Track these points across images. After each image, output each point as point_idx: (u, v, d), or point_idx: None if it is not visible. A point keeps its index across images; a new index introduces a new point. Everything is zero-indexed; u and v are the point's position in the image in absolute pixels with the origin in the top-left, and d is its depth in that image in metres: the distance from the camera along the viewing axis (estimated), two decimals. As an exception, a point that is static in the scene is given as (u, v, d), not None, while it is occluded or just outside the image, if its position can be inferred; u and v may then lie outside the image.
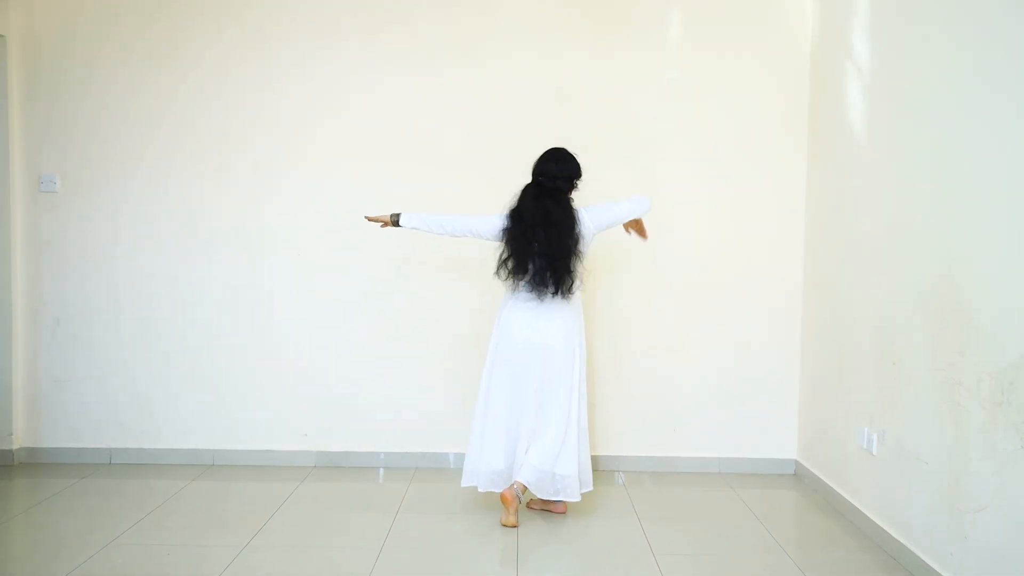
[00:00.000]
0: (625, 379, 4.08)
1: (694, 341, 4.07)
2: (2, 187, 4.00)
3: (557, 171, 3.30)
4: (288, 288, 4.09)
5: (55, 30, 4.04)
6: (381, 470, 4.07)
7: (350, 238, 4.04)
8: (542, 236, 3.23)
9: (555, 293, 3.27)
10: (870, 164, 3.28)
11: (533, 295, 3.30)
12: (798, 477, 4.00)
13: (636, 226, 3.49)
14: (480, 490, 3.34)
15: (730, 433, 4.08)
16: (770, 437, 4.08)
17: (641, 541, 3.15)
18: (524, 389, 3.31)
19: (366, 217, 3.48)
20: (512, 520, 3.25)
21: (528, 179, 3.34)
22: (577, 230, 3.28)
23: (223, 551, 2.98)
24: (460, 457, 4.10)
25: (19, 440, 4.12)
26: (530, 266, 3.26)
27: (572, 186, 3.36)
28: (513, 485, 3.25)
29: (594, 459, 4.07)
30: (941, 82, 2.77)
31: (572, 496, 3.30)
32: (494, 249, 3.40)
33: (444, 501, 3.60)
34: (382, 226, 3.46)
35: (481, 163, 4.01)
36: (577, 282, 3.31)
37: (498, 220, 3.32)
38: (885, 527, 3.08)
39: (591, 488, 3.42)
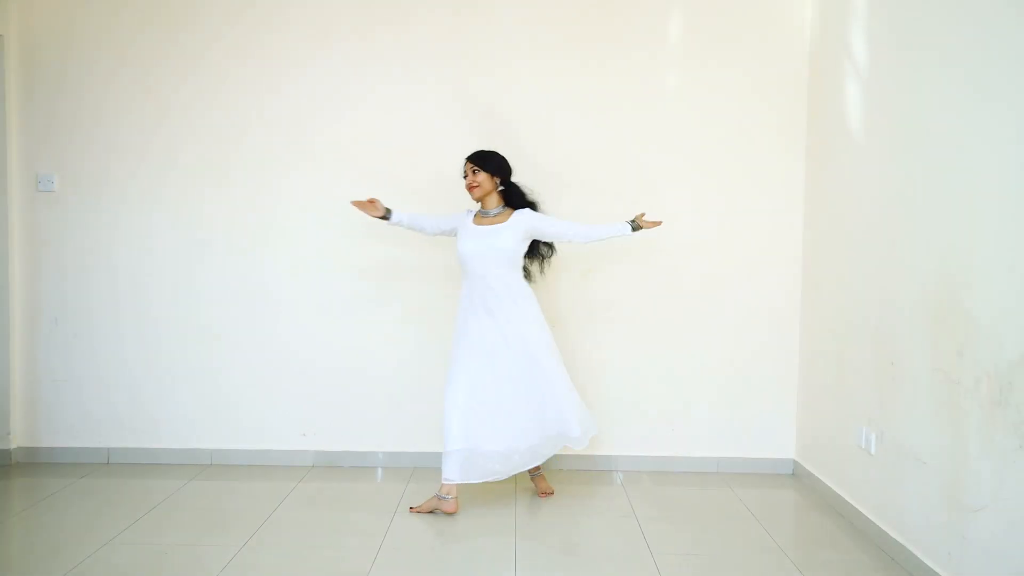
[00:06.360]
0: (623, 379, 4.08)
1: (693, 341, 4.07)
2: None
3: None
4: (287, 287, 4.09)
5: (55, 30, 4.03)
6: (379, 470, 4.06)
7: (349, 238, 4.04)
8: None
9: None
10: (869, 164, 3.29)
11: None
12: (796, 477, 4.00)
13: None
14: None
15: (728, 433, 4.08)
16: (768, 437, 4.08)
17: (639, 540, 3.15)
18: None
19: (352, 202, 3.57)
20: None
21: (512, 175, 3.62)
22: None
23: (221, 550, 2.98)
24: (459, 457, 4.11)
25: (17, 440, 4.12)
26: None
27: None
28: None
29: (593, 459, 4.08)
30: (939, 82, 2.77)
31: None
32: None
33: (443, 501, 3.61)
34: (372, 215, 3.57)
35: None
36: None
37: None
38: (883, 527, 3.08)
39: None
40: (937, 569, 2.69)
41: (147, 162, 4.07)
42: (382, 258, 4.06)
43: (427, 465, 4.08)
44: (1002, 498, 2.38)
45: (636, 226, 3.51)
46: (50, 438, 4.13)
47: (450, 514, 3.37)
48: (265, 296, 4.09)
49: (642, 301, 4.06)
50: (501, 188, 3.54)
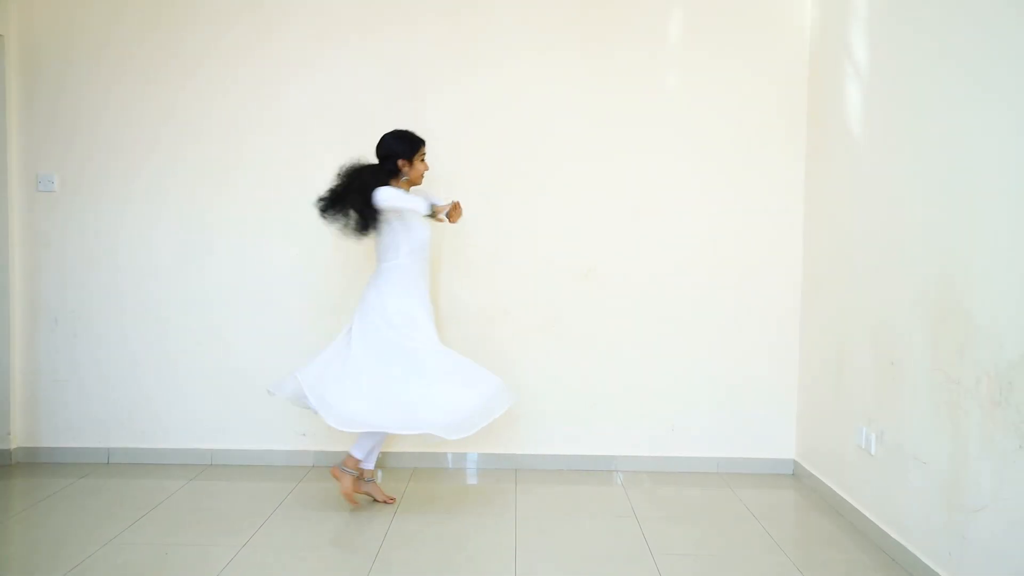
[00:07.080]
0: (624, 378, 4.08)
1: (693, 341, 4.07)
2: None
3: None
4: (288, 287, 4.09)
5: (55, 30, 4.03)
6: (379, 470, 4.06)
7: (352, 238, 4.03)
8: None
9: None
10: (869, 164, 3.29)
11: None
12: (796, 477, 4.00)
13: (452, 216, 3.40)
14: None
15: (729, 433, 4.08)
16: (769, 437, 4.08)
17: (639, 540, 3.15)
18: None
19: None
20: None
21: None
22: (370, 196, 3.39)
23: (222, 550, 2.99)
24: (459, 457, 4.11)
25: (17, 440, 4.11)
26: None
27: (391, 164, 3.47)
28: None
29: (593, 459, 4.09)
30: (939, 82, 2.77)
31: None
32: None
33: (442, 501, 3.61)
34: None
35: (480, 166, 4.01)
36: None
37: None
38: (883, 527, 3.08)
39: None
40: (937, 569, 2.69)
41: (149, 162, 4.07)
42: (382, 258, 4.06)
43: (427, 465, 4.08)
44: (1002, 498, 2.38)
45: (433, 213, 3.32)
46: (51, 438, 4.12)
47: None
48: (267, 296, 4.09)
49: (642, 300, 4.06)
50: None
